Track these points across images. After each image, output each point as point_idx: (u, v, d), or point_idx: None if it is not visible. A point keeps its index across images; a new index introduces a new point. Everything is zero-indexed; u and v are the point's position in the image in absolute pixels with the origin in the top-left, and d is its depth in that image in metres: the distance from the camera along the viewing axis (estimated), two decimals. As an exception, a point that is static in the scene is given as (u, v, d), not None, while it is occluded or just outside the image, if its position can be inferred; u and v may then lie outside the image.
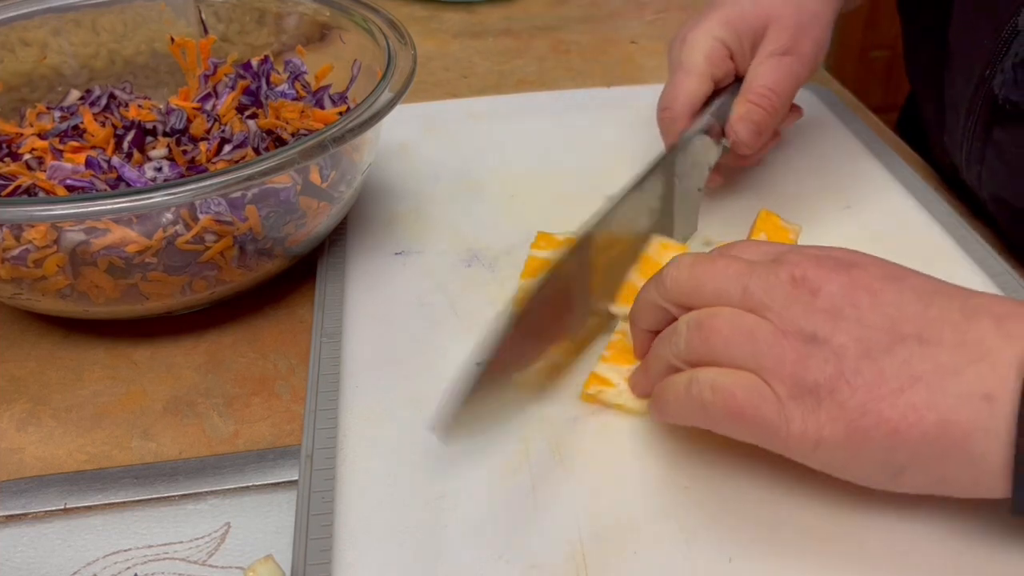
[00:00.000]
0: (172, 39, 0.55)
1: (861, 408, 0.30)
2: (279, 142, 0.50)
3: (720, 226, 0.50)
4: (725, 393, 0.32)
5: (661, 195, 0.45)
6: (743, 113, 0.47)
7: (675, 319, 0.36)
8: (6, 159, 0.48)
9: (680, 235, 0.47)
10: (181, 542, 0.35)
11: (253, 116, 0.51)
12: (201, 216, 0.41)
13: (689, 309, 0.35)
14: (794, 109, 0.53)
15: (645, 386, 0.38)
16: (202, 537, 0.35)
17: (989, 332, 0.30)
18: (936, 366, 0.30)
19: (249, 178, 0.38)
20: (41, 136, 0.49)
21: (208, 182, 0.37)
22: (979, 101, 0.50)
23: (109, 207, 0.36)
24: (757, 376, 0.32)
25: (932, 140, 0.61)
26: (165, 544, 0.35)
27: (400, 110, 0.44)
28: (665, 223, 0.46)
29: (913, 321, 0.31)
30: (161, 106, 0.52)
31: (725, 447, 0.37)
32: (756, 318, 0.33)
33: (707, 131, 0.48)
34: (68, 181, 0.45)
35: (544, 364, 0.38)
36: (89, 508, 0.36)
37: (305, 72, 0.55)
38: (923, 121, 0.64)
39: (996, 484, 0.30)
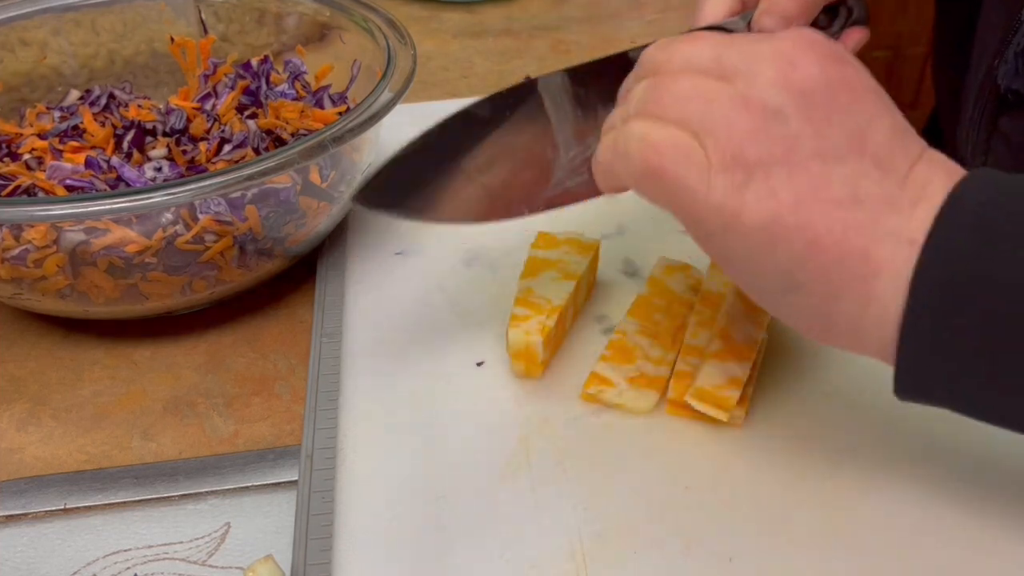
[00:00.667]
0: (172, 39, 0.55)
1: (794, 202, 0.28)
2: (279, 142, 0.50)
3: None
4: (648, 146, 0.29)
5: None
6: (769, 5, 0.43)
7: None
8: (6, 159, 0.48)
9: None
10: (181, 542, 0.35)
11: (253, 116, 0.51)
12: (201, 216, 0.41)
13: None
14: (859, 30, 0.49)
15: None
16: (202, 537, 0.35)
17: (936, 175, 0.28)
18: (882, 193, 0.28)
19: (249, 178, 0.38)
20: (41, 136, 0.49)
21: (208, 182, 0.37)
22: (986, 92, 0.50)
23: (109, 207, 0.36)
24: (695, 137, 0.29)
25: (946, 138, 0.62)
26: (165, 544, 0.35)
27: (400, 110, 0.44)
28: None
29: (878, 141, 0.29)
30: (161, 106, 0.52)
31: (725, 448, 0.37)
32: (721, 83, 0.29)
33: (730, 28, 0.44)
34: (68, 181, 0.45)
35: (505, 189, 0.37)
36: (89, 508, 0.36)
37: (305, 72, 0.55)
38: (941, 119, 0.64)
39: (877, 336, 0.28)
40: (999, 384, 0.27)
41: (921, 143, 0.30)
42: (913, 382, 0.29)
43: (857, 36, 0.50)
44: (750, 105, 0.28)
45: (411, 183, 0.36)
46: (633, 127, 0.30)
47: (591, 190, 0.36)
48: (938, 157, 0.30)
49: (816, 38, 0.30)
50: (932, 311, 0.27)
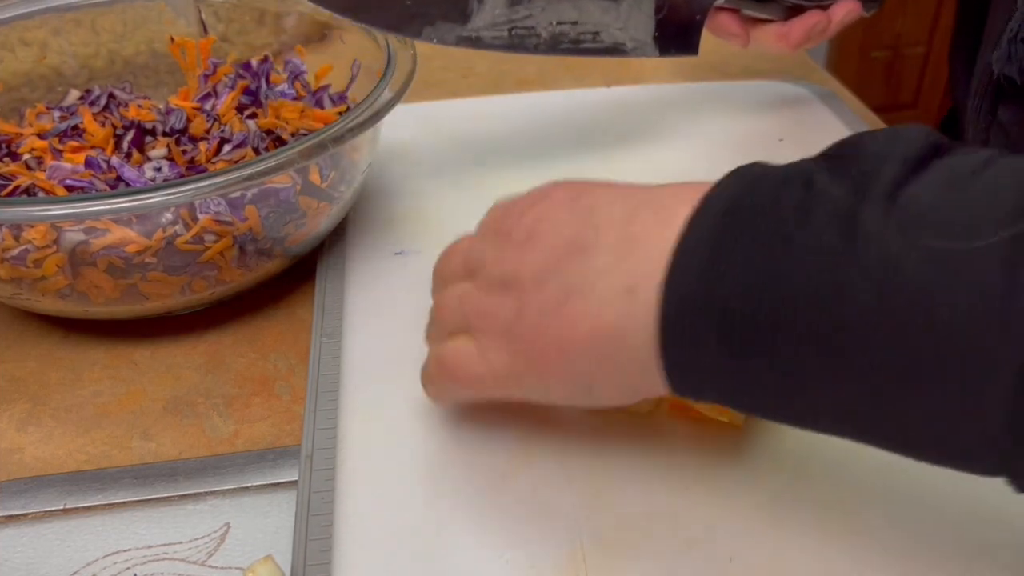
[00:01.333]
0: (172, 39, 0.55)
1: (533, 334, 0.31)
2: (279, 142, 0.50)
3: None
4: (440, 362, 0.34)
5: None
6: None
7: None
8: (6, 159, 0.48)
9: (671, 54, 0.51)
10: (181, 542, 0.35)
11: (253, 116, 0.51)
12: (201, 216, 0.41)
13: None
14: (852, 3, 0.52)
15: None
16: (202, 537, 0.35)
17: (648, 225, 0.29)
18: (588, 273, 0.29)
19: (249, 178, 0.38)
20: (41, 136, 0.49)
21: (208, 182, 0.37)
22: (986, 80, 0.50)
23: (109, 207, 0.36)
24: (468, 335, 0.33)
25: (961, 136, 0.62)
26: (165, 544, 0.35)
27: (400, 110, 0.44)
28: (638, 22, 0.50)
29: (580, 234, 0.31)
30: (161, 106, 0.52)
31: (726, 448, 0.37)
32: (468, 282, 0.34)
33: None
34: (68, 181, 0.45)
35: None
36: (89, 508, 0.36)
37: (305, 72, 0.55)
38: (960, 118, 0.64)
39: (660, 378, 0.28)
40: (760, 384, 0.27)
41: (628, 199, 0.31)
42: (687, 392, 0.29)
43: (848, 7, 0.52)
44: (490, 290, 0.32)
45: None
46: (430, 352, 0.36)
47: (505, 46, 0.48)
48: (650, 198, 0.30)
49: (528, 196, 0.34)
50: (675, 339, 0.27)
